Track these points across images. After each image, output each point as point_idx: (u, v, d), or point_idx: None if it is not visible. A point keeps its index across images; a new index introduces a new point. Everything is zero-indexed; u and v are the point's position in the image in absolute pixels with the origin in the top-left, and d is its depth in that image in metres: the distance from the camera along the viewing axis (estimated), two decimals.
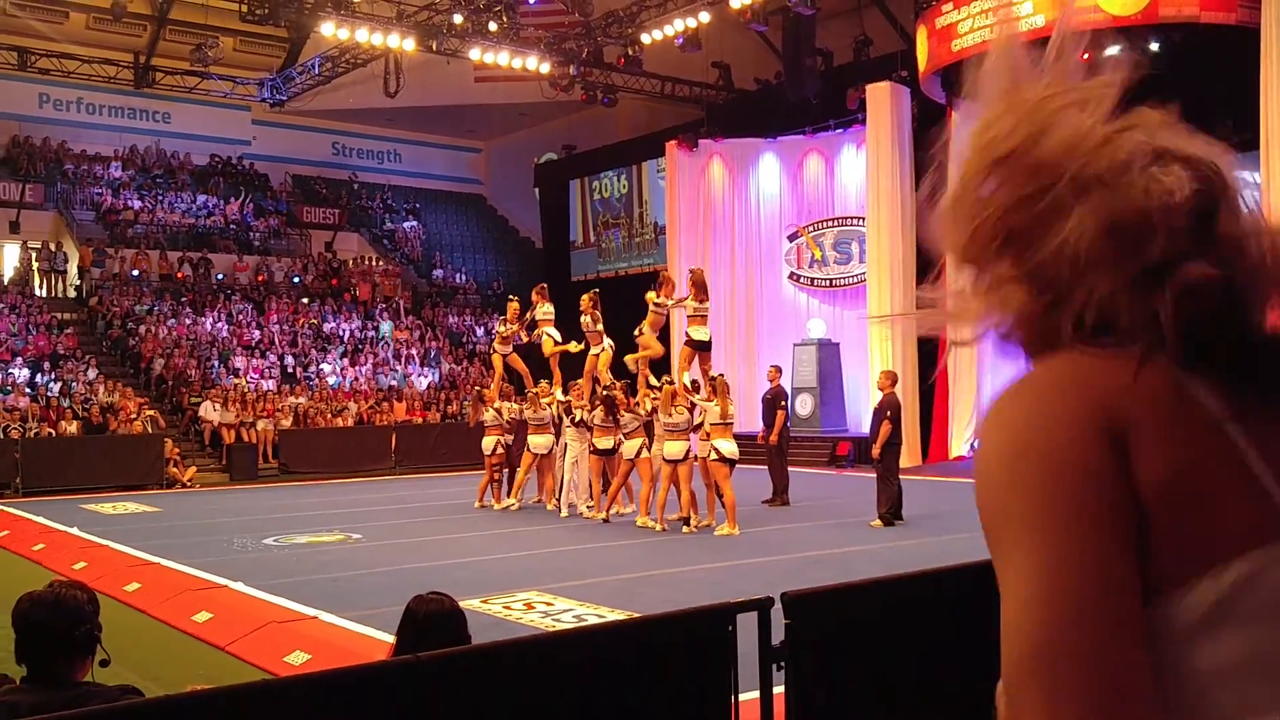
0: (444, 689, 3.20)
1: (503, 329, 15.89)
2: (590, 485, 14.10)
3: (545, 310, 15.42)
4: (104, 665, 3.04)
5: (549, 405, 14.67)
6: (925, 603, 4.27)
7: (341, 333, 26.41)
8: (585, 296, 14.87)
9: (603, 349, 14.52)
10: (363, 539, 12.41)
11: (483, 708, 3.22)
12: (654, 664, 3.72)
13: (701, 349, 13.57)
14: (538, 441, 14.55)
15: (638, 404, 13.22)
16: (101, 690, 2.98)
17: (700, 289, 13.59)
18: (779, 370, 15.41)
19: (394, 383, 24.71)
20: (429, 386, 25.13)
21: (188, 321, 24.59)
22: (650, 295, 13.81)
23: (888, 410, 12.54)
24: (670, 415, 12.42)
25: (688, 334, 13.72)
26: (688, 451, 12.38)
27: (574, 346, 14.92)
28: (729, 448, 12.23)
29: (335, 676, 3.62)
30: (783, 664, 3.69)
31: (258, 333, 25.26)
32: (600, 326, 14.57)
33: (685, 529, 12.47)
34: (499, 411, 15.21)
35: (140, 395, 21.68)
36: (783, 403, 14.77)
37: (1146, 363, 0.92)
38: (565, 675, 3.51)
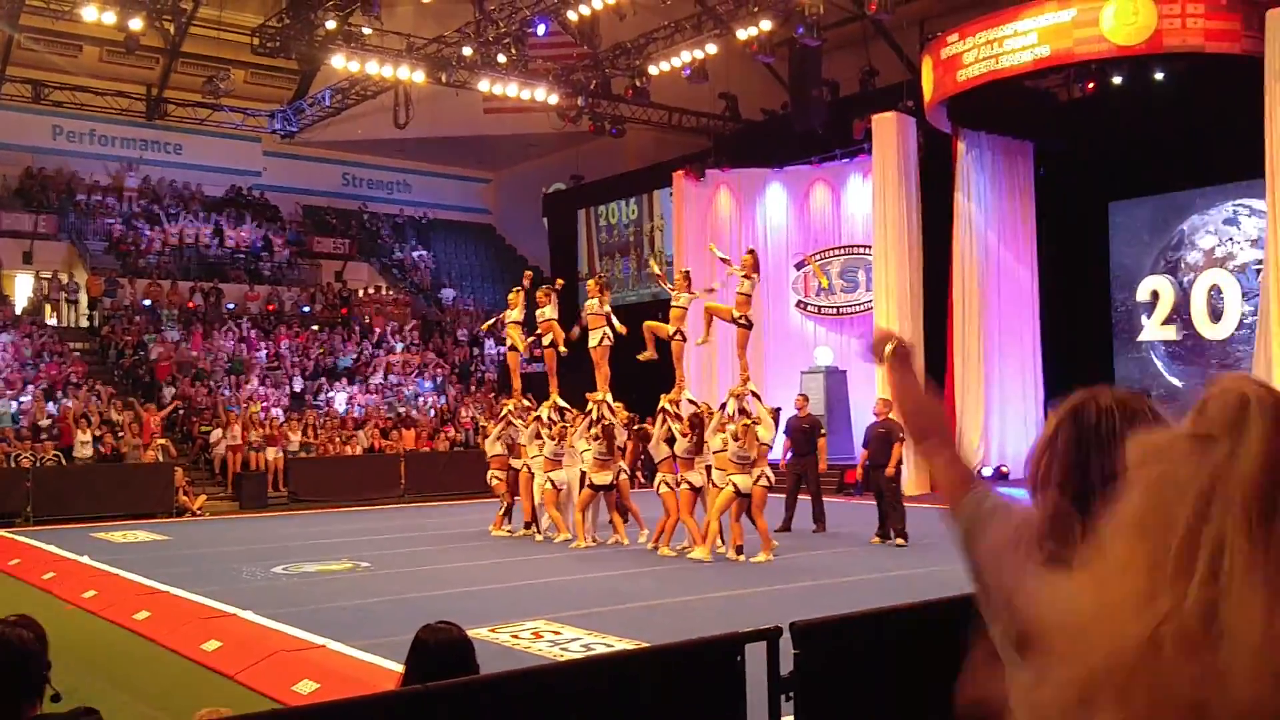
0: (452, 718, 3.21)
1: (512, 314, 15.81)
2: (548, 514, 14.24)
3: (548, 312, 15.46)
4: (55, 701, 2.85)
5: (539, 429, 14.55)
6: (935, 631, 4.27)
7: (350, 360, 26.51)
8: (592, 281, 15.23)
9: (603, 337, 14.56)
10: (371, 567, 12.42)
11: None
12: (662, 694, 3.73)
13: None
14: (562, 477, 14.20)
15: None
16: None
17: (756, 267, 13.94)
18: (806, 399, 15.62)
19: (403, 409, 24.75)
20: (437, 412, 25.20)
21: (195, 353, 24.70)
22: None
23: (901, 433, 12.86)
24: (746, 449, 12.25)
25: (748, 317, 13.87)
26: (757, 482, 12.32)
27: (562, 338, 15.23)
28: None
29: (343, 706, 3.64)
30: (791, 694, 3.70)
31: (264, 354, 25.38)
32: (607, 309, 14.67)
33: (747, 558, 12.30)
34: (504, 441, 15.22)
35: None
36: (822, 430, 14.81)
37: None
38: (573, 705, 3.52)
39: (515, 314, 15.92)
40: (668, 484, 12.85)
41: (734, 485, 12.11)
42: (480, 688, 3.30)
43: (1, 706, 2.72)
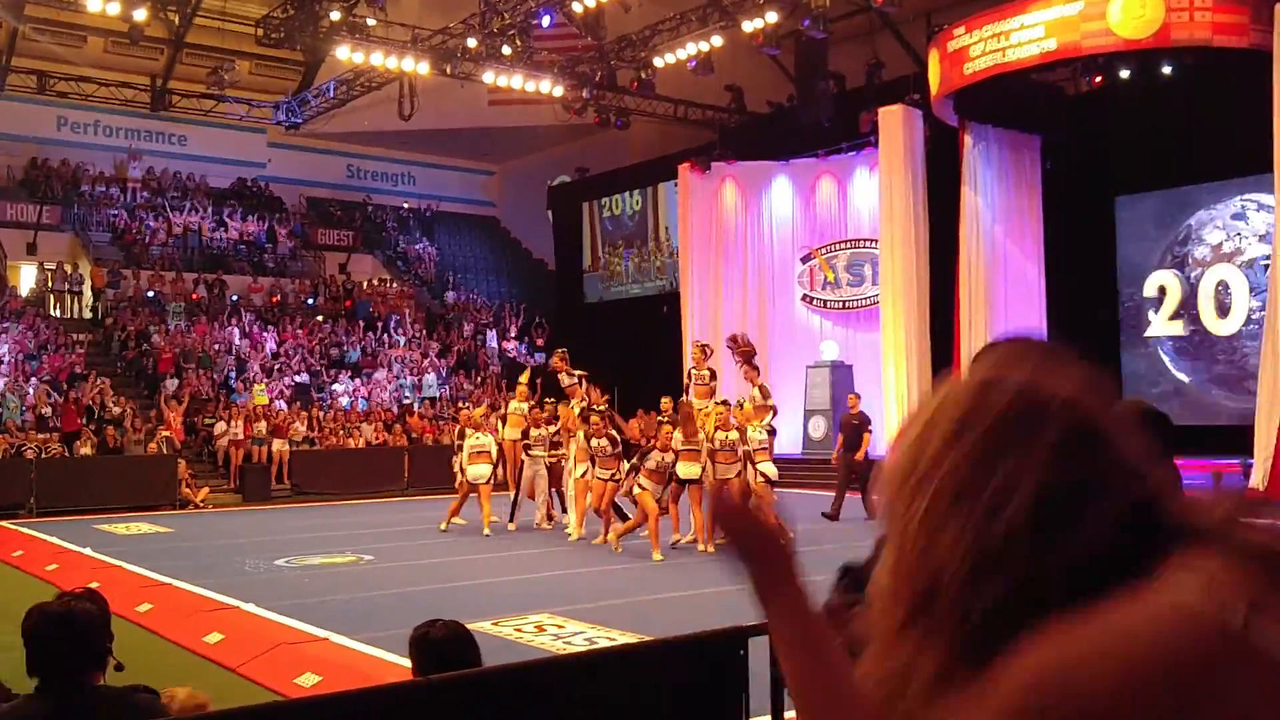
0: (454, 712, 3.18)
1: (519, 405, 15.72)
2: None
3: (570, 381, 15.51)
4: (119, 670, 3.02)
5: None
6: None
7: (354, 353, 26.51)
8: (557, 358, 15.73)
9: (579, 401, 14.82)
10: (374, 560, 12.40)
11: None
12: (665, 687, 3.70)
13: None
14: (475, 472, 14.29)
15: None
16: (112, 693, 2.97)
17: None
18: (859, 397, 16.68)
19: (407, 399, 24.75)
20: (441, 400, 25.22)
21: (202, 337, 24.72)
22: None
23: None
24: (757, 430, 12.54)
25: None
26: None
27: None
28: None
29: (345, 698, 3.61)
30: None
31: (271, 345, 25.38)
32: (575, 378, 15.17)
33: None
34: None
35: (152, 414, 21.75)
36: (870, 427, 15.68)
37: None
38: (576, 698, 3.49)
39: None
40: (642, 485, 12.89)
41: (764, 475, 12.26)
42: (482, 681, 3.27)
43: (68, 676, 2.87)
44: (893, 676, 0.94)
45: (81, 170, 28.83)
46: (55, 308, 25.74)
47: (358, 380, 25.36)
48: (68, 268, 26.32)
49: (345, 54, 22.49)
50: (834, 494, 15.17)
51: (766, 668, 3.66)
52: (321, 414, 23.24)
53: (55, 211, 27.31)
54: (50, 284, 25.94)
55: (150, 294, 26.04)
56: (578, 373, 15.31)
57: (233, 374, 23.92)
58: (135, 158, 29.62)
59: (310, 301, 28.47)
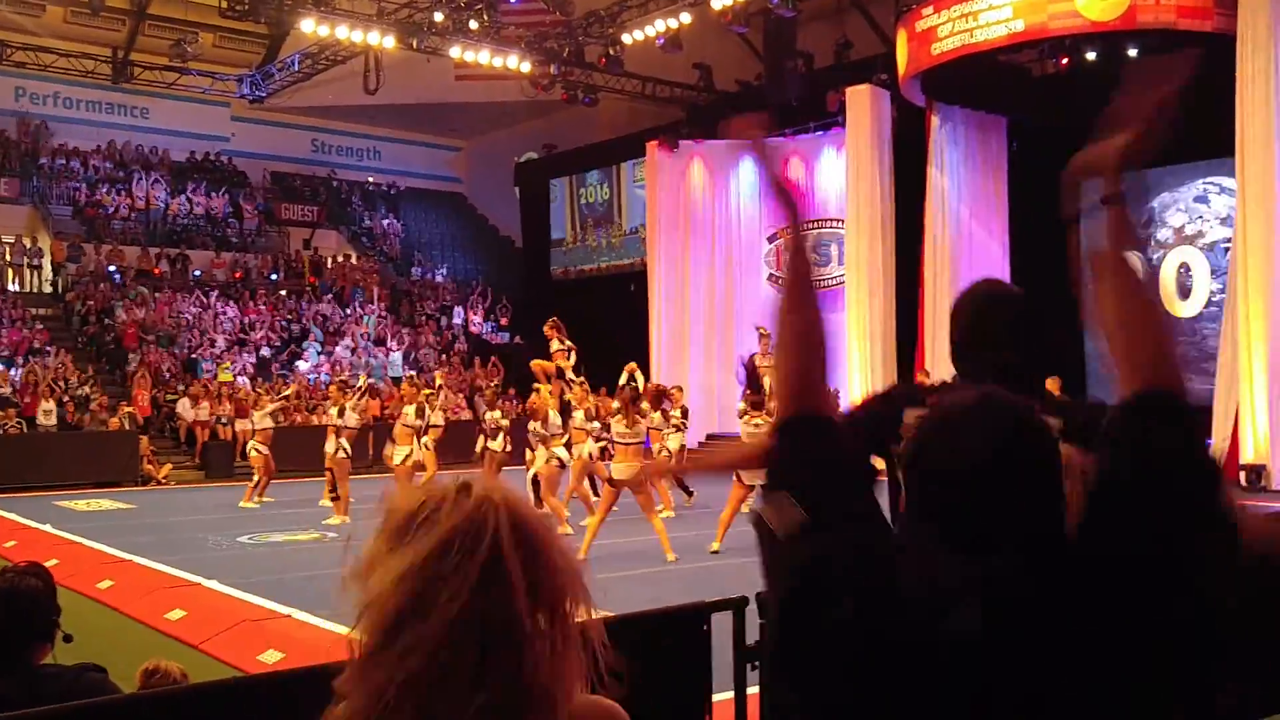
0: None
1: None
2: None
3: (559, 348, 15.58)
4: (67, 641, 2.97)
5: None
6: None
7: (318, 326, 26.31)
8: (548, 326, 15.74)
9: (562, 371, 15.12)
10: (338, 538, 12.35)
11: None
12: (629, 662, 3.70)
13: None
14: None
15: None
16: (59, 671, 2.92)
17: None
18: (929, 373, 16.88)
19: (373, 380, 24.62)
20: (407, 380, 25.09)
21: (165, 312, 24.45)
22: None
23: None
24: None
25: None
26: None
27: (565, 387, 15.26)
28: None
29: (308, 675, 3.59)
30: (757, 664, 3.69)
31: (232, 322, 25.15)
32: (565, 345, 15.33)
33: None
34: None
35: (115, 390, 21.53)
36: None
37: None
38: None
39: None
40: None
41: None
42: None
43: (14, 651, 2.83)
44: None
45: (41, 142, 28.35)
46: (14, 282, 25.36)
47: (322, 356, 25.18)
48: (26, 241, 25.93)
49: (310, 27, 22.21)
50: None
51: (729, 642, 3.69)
52: (286, 389, 23.06)
53: (14, 184, 26.86)
54: (9, 258, 25.55)
55: (111, 269, 25.71)
56: (568, 344, 15.45)
57: (197, 349, 23.70)
58: (96, 133, 29.15)
59: (273, 277, 28.22)
